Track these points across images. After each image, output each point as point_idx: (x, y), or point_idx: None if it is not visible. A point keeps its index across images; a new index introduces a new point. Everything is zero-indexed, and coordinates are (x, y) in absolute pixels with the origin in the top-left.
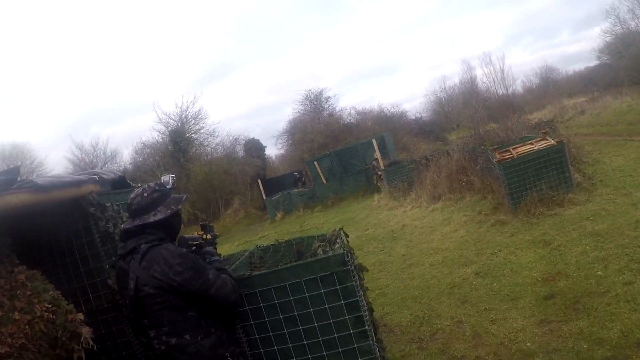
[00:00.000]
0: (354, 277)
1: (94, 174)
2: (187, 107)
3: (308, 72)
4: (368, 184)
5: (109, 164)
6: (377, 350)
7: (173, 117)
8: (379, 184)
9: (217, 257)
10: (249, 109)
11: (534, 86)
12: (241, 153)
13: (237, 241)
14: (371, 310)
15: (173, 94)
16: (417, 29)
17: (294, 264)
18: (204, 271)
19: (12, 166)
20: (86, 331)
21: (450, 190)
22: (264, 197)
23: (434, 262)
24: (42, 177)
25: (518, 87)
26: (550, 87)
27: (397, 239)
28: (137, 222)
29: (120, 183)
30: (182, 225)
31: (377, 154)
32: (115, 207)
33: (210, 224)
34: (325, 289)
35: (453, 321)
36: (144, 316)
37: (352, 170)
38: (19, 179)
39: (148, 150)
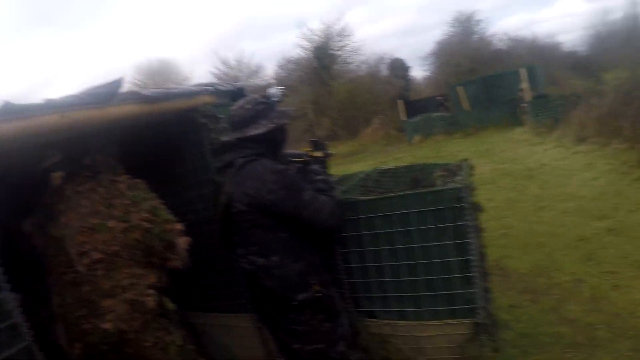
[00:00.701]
0: (468, 216)
1: (210, 85)
2: (332, 24)
3: None
4: (512, 116)
5: (252, 78)
6: (480, 300)
7: (318, 33)
8: (522, 117)
9: (322, 177)
10: (399, 28)
11: None
12: (385, 72)
13: (371, 160)
14: (483, 255)
15: (320, 10)
16: None
17: (405, 192)
18: (300, 191)
19: (159, 81)
20: (183, 241)
21: (597, 133)
22: (404, 119)
23: (566, 209)
24: (152, 89)
25: None
26: None
27: (532, 178)
28: (236, 135)
29: (239, 95)
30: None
31: (525, 85)
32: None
33: (323, 142)
34: (435, 224)
35: (573, 278)
36: (234, 233)
37: (497, 99)
38: (121, 90)
39: (291, 66)
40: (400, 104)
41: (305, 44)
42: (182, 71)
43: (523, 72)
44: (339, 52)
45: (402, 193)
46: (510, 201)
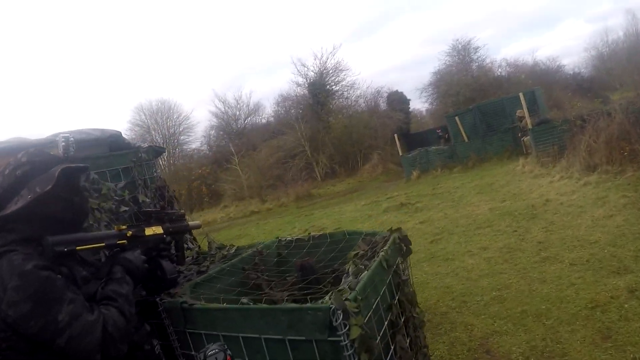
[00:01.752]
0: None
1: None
2: (327, 59)
3: (463, 22)
4: (514, 145)
5: (252, 116)
6: None
7: (312, 68)
8: (524, 145)
9: (125, 277)
10: (401, 62)
11: None
12: (384, 106)
13: (364, 200)
14: None
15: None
16: None
17: (251, 306)
18: (53, 306)
19: (159, 120)
20: None
21: (608, 160)
22: (400, 154)
23: (575, 261)
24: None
25: None
26: None
27: (535, 218)
28: None
29: (115, 143)
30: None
31: (524, 111)
32: (94, 177)
33: (172, 211)
34: None
35: None
36: None
37: (497, 128)
38: None
39: (288, 103)
40: (397, 139)
41: (300, 80)
42: (183, 110)
43: (521, 97)
44: (335, 87)
45: (241, 306)
46: (508, 250)
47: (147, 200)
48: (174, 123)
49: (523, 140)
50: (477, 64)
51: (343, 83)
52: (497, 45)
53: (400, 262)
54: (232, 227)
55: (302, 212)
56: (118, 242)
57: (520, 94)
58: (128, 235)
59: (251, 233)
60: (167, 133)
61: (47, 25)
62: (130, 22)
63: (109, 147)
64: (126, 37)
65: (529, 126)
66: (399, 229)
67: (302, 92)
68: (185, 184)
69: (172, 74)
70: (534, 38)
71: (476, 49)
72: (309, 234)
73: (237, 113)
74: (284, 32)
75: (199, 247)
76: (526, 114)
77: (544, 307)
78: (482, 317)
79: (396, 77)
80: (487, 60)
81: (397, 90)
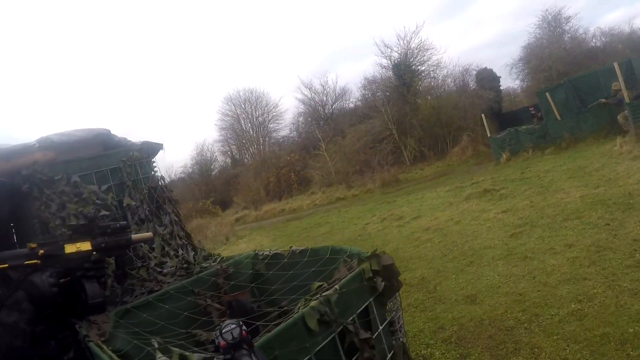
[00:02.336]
0: None
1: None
2: (411, 38)
3: None
4: (612, 123)
5: (339, 101)
6: None
7: (396, 49)
8: (620, 123)
9: (21, 304)
10: (488, 38)
11: None
12: (473, 85)
13: (448, 186)
14: None
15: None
16: None
17: None
18: None
19: (248, 109)
20: None
21: None
22: (489, 135)
23: None
24: None
25: None
26: None
27: (632, 209)
28: None
29: (105, 143)
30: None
31: (620, 83)
32: (76, 180)
33: (105, 224)
34: None
35: None
36: None
37: (591, 104)
38: None
39: (374, 86)
40: (485, 119)
41: (384, 61)
42: (270, 99)
43: (616, 68)
44: (420, 68)
45: None
46: (597, 249)
47: (133, 203)
48: (262, 111)
49: (619, 116)
50: (569, 35)
51: (429, 63)
52: (591, 15)
53: (373, 306)
54: (315, 215)
55: (385, 199)
56: (26, 262)
57: (615, 64)
58: (40, 254)
59: (331, 221)
60: (256, 122)
61: (140, 19)
62: (219, 14)
63: (102, 146)
64: (213, 29)
65: (627, 100)
66: (376, 256)
67: (387, 74)
68: (274, 171)
69: (258, 65)
70: (634, 5)
71: (567, 19)
72: (290, 247)
73: (324, 99)
74: (366, 14)
75: (212, 254)
76: (622, 87)
77: (631, 330)
78: (554, 338)
79: (485, 54)
80: (580, 31)
81: (486, 68)
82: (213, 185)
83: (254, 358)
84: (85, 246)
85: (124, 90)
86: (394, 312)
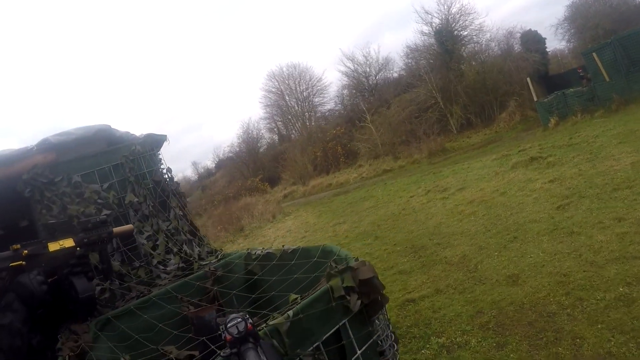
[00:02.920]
0: None
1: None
2: (451, 3)
3: None
4: None
5: (383, 72)
6: None
7: (437, 15)
8: None
9: (13, 305)
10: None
11: None
12: (518, 48)
13: (495, 154)
14: None
15: None
16: None
17: None
18: None
19: (291, 84)
20: None
21: None
22: (535, 99)
23: None
24: None
25: None
26: None
27: None
28: None
29: (107, 138)
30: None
31: None
32: (77, 180)
33: (86, 220)
34: None
35: None
36: None
37: None
38: None
39: (417, 54)
40: (531, 82)
41: (425, 28)
42: (314, 73)
43: None
44: (463, 33)
45: None
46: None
47: (136, 200)
48: (306, 86)
49: None
50: None
51: (471, 27)
52: None
53: (348, 328)
54: (361, 189)
55: (432, 170)
56: (12, 264)
57: None
58: (24, 254)
59: (376, 194)
60: (300, 97)
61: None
62: None
63: (105, 142)
64: (253, 5)
65: None
66: (350, 270)
67: (429, 41)
68: (320, 146)
69: (300, 39)
70: None
71: None
72: (282, 246)
73: (367, 70)
74: None
75: (216, 250)
76: None
77: None
78: (599, 326)
79: (529, 16)
80: None
81: (530, 29)
82: (261, 163)
83: (260, 351)
84: (69, 243)
85: (167, 75)
86: (381, 331)
